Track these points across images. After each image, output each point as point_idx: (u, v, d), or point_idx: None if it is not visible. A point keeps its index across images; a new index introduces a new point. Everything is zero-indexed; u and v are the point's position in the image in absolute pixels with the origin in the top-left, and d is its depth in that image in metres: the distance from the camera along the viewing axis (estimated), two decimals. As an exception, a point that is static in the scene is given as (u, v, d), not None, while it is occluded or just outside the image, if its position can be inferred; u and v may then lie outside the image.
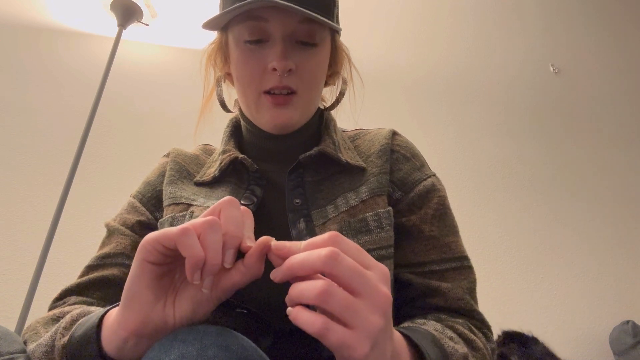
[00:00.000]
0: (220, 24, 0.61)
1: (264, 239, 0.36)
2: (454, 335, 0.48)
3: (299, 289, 0.32)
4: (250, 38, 0.58)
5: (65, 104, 1.78)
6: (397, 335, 0.39)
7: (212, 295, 0.37)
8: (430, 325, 0.49)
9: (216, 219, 0.35)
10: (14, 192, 1.58)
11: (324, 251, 0.31)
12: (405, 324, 0.51)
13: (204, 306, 0.37)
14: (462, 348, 0.47)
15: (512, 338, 1.35)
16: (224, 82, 0.70)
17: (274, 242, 0.36)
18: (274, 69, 0.56)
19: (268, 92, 0.58)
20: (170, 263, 0.37)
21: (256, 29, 0.57)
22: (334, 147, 0.62)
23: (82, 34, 1.94)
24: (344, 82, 0.70)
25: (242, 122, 0.68)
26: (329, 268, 0.31)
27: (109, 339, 0.37)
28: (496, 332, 1.36)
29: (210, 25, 0.60)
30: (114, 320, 0.38)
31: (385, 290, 0.32)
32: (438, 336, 0.46)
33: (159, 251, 0.35)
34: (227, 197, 0.38)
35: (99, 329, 0.39)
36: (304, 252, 0.33)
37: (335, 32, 0.65)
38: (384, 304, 0.31)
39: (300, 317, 0.31)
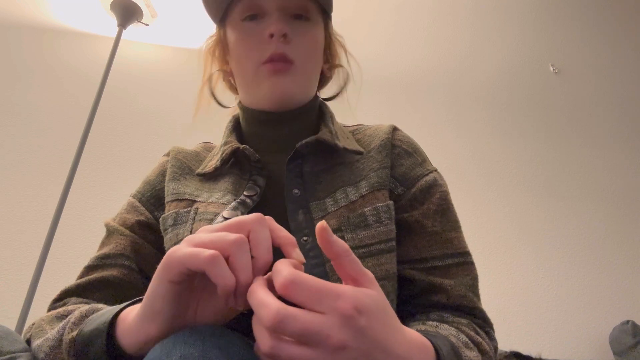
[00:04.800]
0: (220, 8, 0.64)
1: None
2: (468, 341, 0.48)
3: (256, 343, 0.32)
4: (247, 13, 0.62)
5: (65, 103, 1.78)
6: (417, 338, 0.38)
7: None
8: (444, 329, 0.48)
9: (244, 239, 0.34)
10: (14, 192, 1.58)
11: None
12: (421, 327, 0.50)
13: (226, 316, 0.38)
14: (476, 356, 0.46)
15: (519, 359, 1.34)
16: (222, 79, 0.72)
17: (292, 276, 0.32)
18: (271, 35, 0.59)
19: (266, 63, 0.60)
20: (191, 275, 0.36)
21: (252, 5, 0.62)
22: (331, 135, 0.62)
23: (83, 33, 1.93)
24: (345, 75, 0.73)
25: (241, 113, 0.68)
26: None
27: (129, 339, 0.38)
28: (497, 333, 1.35)
29: (211, 8, 0.64)
30: (134, 325, 0.37)
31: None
32: (457, 344, 0.45)
33: (184, 272, 0.34)
34: (256, 215, 0.36)
35: (112, 326, 0.39)
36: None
37: (327, 18, 0.69)
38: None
39: None
